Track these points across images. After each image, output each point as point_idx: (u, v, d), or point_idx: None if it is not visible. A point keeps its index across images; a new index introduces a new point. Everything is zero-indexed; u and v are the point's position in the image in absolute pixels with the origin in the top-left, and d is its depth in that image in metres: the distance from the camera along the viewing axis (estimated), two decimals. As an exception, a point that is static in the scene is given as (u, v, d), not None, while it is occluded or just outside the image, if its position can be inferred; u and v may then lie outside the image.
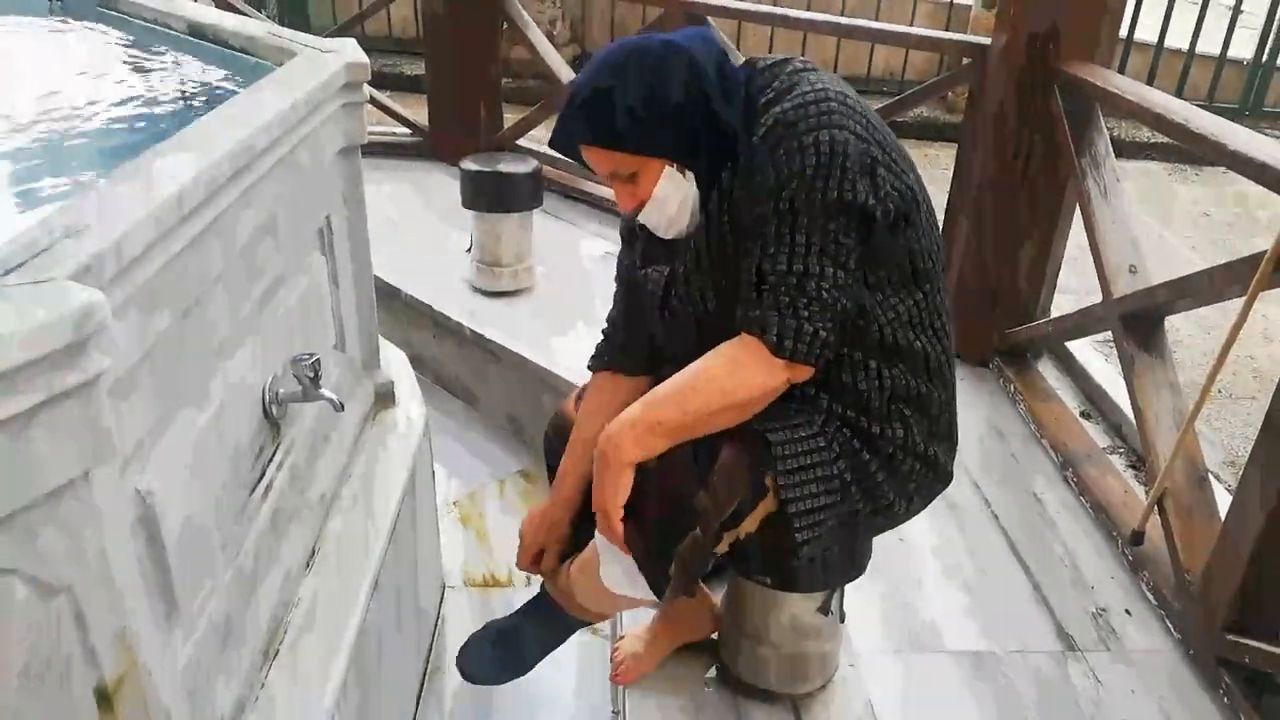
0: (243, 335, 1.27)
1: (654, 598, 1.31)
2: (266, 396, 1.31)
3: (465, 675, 1.61)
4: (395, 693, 1.75)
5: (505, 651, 1.59)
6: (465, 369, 2.88)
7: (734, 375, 1.19)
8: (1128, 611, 1.91)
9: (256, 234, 1.26)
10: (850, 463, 1.26)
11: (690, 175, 1.24)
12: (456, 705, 1.95)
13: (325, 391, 1.34)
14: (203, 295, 1.12)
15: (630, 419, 1.21)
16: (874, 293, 1.23)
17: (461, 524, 2.49)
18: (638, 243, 1.41)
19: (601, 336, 1.52)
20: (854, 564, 1.49)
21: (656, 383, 1.26)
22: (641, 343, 1.45)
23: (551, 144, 1.26)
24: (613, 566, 1.33)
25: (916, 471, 1.31)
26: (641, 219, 1.29)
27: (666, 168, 1.23)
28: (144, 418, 1.01)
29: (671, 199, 1.25)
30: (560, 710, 1.93)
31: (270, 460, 1.38)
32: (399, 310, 2.95)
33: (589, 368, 1.52)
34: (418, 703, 1.93)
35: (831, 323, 1.17)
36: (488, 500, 2.58)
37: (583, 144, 1.23)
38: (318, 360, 1.33)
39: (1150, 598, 1.93)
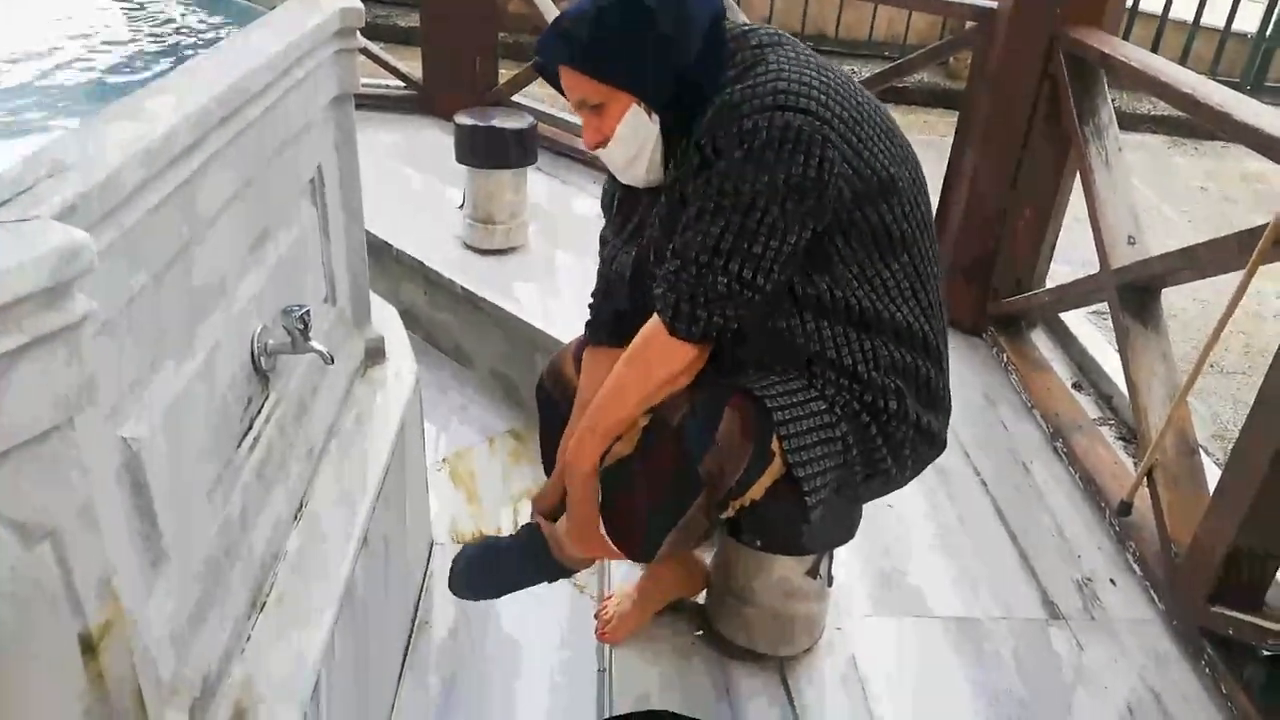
0: (231, 284, 1.24)
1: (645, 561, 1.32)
2: (255, 347, 1.29)
3: (452, 585, 1.61)
4: (382, 645, 1.75)
5: (485, 572, 1.58)
6: (456, 326, 2.86)
7: (646, 359, 1.25)
8: (1113, 581, 1.93)
9: (247, 181, 1.23)
10: (851, 425, 1.26)
11: (656, 120, 1.23)
12: (443, 659, 1.96)
13: (315, 344, 1.32)
14: (191, 241, 1.10)
15: (580, 432, 1.29)
16: (847, 264, 1.22)
17: (451, 481, 2.48)
18: (614, 215, 1.40)
19: (589, 311, 1.51)
20: (844, 528, 1.49)
21: None
22: (615, 323, 1.44)
23: (534, 64, 1.27)
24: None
25: (910, 439, 1.30)
26: (601, 156, 1.29)
27: (633, 105, 1.22)
28: (130, 364, 0.99)
29: (632, 139, 1.24)
30: (547, 667, 1.94)
31: (259, 412, 1.37)
32: (390, 266, 2.92)
33: (585, 339, 1.52)
34: (405, 656, 1.93)
35: (731, 312, 1.19)
36: (477, 458, 2.57)
37: (559, 63, 1.23)
38: (308, 311, 1.31)
39: (1135, 568, 1.95)
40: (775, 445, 1.23)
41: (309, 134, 1.49)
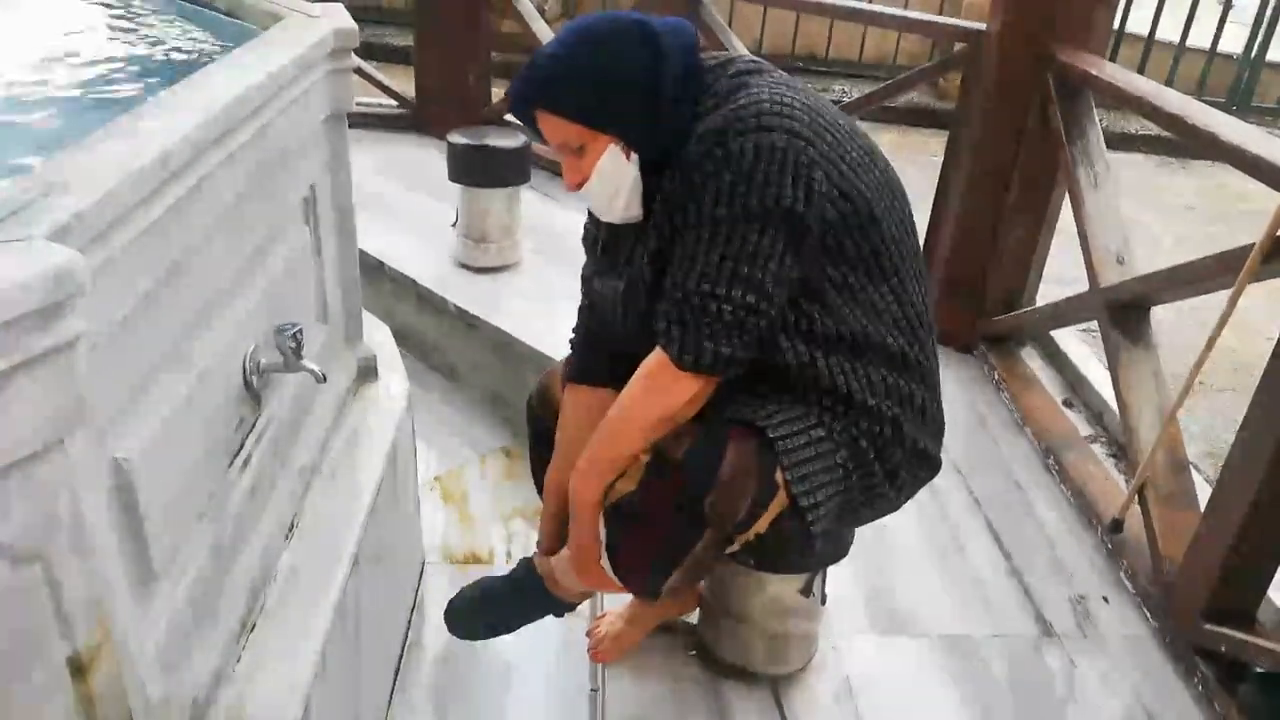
0: (224, 303, 1.24)
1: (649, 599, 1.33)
2: (247, 366, 1.29)
3: (448, 625, 1.61)
4: (373, 666, 1.74)
5: (484, 611, 1.59)
6: (448, 344, 2.86)
7: (651, 392, 1.23)
8: (1105, 598, 1.93)
9: (240, 200, 1.23)
10: (850, 451, 1.26)
11: (635, 159, 1.24)
12: (435, 680, 1.95)
13: (307, 363, 1.32)
14: (184, 260, 1.10)
15: (582, 466, 1.29)
16: (839, 291, 1.22)
17: (443, 501, 2.47)
18: (599, 255, 1.41)
19: (569, 348, 1.51)
20: (838, 548, 1.49)
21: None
22: (603, 357, 1.44)
23: (509, 108, 1.26)
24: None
25: (906, 462, 1.31)
26: (582, 194, 1.29)
27: (611, 145, 1.22)
28: (122, 384, 0.99)
29: (611, 177, 1.24)
30: (539, 687, 1.92)
31: (250, 431, 1.36)
32: (383, 284, 2.92)
33: (565, 378, 1.51)
34: (396, 676, 1.92)
35: (738, 339, 1.18)
36: (469, 477, 2.56)
37: (534, 108, 1.23)
38: (300, 330, 1.30)
39: (1128, 585, 1.95)
40: (779, 477, 1.21)
41: (302, 153, 1.50)
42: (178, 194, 1.03)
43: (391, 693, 1.88)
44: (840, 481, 1.25)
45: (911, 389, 1.29)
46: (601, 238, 1.39)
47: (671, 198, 1.21)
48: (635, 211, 1.28)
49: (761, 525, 1.23)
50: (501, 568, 2.23)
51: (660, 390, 1.22)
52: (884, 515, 1.39)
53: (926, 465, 1.34)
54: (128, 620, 0.97)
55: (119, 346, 0.96)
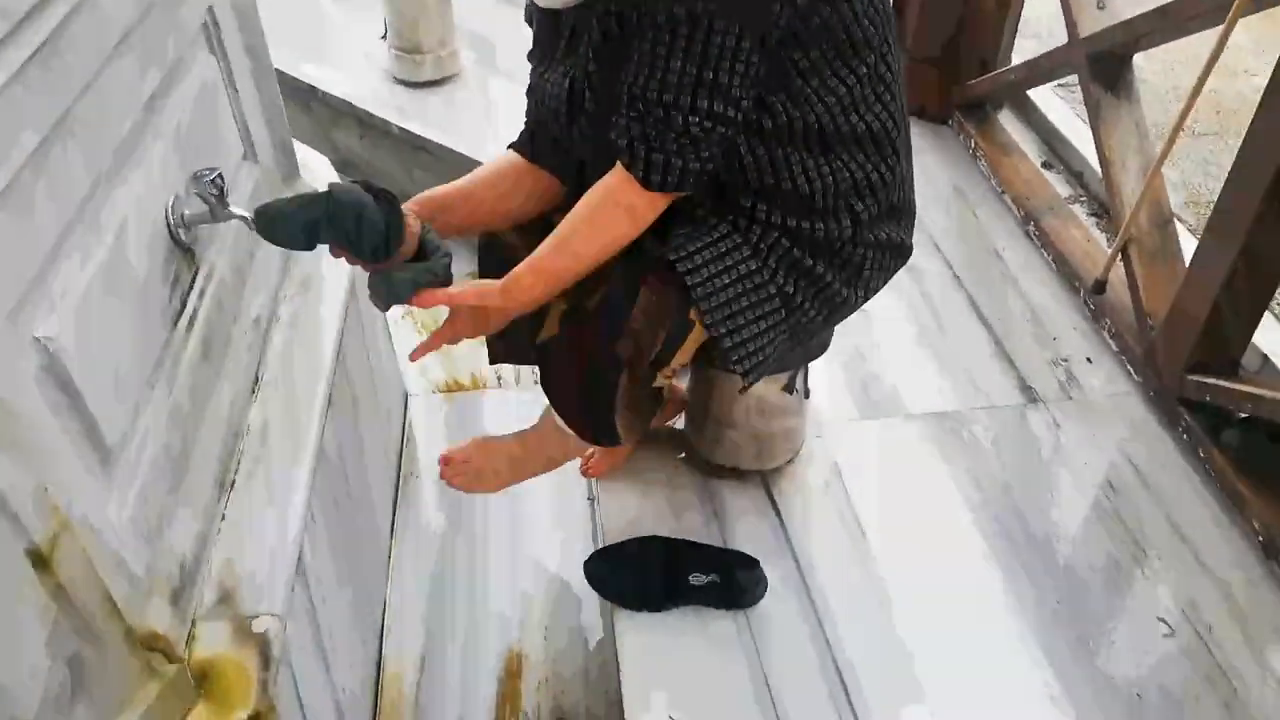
0: (131, 153, 1.12)
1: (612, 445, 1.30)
2: (171, 220, 1.19)
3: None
4: (367, 506, 1.74)
5: None
6: (397, 169, 2.71)
7: (612, 210, 1.13)
8: (1089, 359, 1.93)
9: (127, 31, 1.09)
10: (793, 274, 1.19)
11: None
12: (434, 511, 1.97)
13: (235, 209, 1.22)
14: (74, 108, 0.98)
15: (522, 271, 1.17)
16: (806, 78, 1.10)
17: (420, 332, 2.42)
18: (536, 38, 1.27)
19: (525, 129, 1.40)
20: (817, 344, 1.45)
21: (568, 191, 1.20)
22: (553, 152, 1.33)
23: None
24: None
25: (870, 258, 1.24)
26: None
27: None
28: (24, 258, 0.89)
29: None
30: (538, 506, 1.95)
31: (190, 288, 1.28)
32: (318, 110, 2.74)
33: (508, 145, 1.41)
34: (394, 508, 1.93)
35: (706, 153, 1.08)
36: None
37: None
38: (219, 175, 1.19)
39: (1112, 344, 1.95)
40: (694, 315, 1.17)
41: (190, -30, 1.32)
42: (51, 26, 0.90)
43: (392, 525, 1.90)
44: (779, 311, 1.20)
45: (881, 174, 1.20)
46: (541, 27, 1.26)
47: None
48: None
49: (682, 358, 1.20)
50: (488, 391, 2.23)
51: (623, 209, 1.13)
52: (856, 310, 1.33)
53: (895, 254, 1.28)
54: (88, 501, 0.93)
55: (11, 216, 0.87)
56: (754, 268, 1.17)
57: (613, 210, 1.13)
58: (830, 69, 1.10)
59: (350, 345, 1.65)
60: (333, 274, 1.65)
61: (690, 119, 1.05)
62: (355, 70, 2.79)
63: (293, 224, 1.15)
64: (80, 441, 0.97)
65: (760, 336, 1.20)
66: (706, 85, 1.04)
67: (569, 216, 1.16)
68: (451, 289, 1.18)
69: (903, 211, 1.27)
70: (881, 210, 1.22)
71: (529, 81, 1.34)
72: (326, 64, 2.79)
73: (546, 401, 1.37)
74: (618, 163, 1.11)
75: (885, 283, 1.31)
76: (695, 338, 1.19)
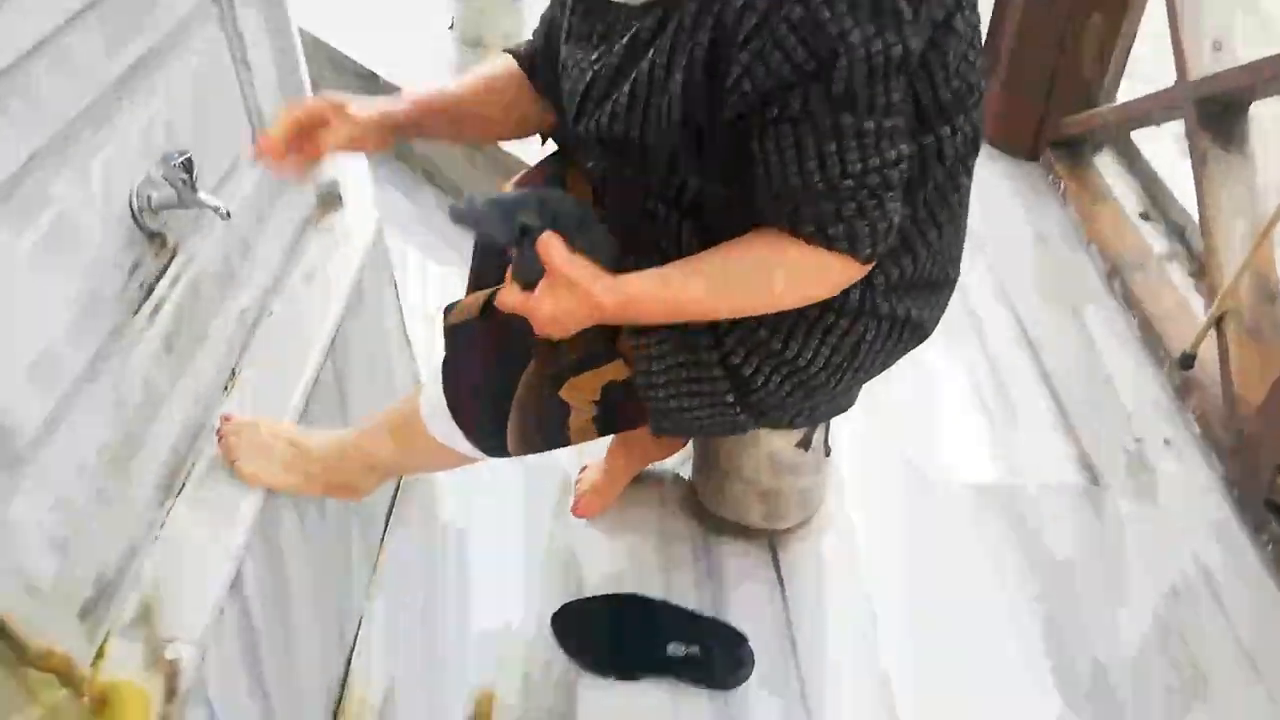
0: (92, 128, 1.04)
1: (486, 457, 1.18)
2: (135, 203, 1.10)
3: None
4: (345, 520, 1.64)
5: None
6: (460, 158, 2.63)
7: (800, 282, 0.94)
8: (1166, 441, 1.71)
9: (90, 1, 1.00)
10: (743, 347, 1.03)
11: None
12: (427, 528, 1.86)
13: (204, 196, 1.13)
14: (22, 65, 0.89)
15: (651, 289, 0.95)
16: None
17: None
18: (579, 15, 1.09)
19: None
20: (840, 401, 1.29)
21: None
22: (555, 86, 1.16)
23: None
24: (441, 421, 1.18)
25: (869, 335, 1.05)
26: None
27: None
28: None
29: None
30: (535, 540, 1.81)
31: (161, 276, 1.20)
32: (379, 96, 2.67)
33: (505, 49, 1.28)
34: (386, 524, 1.83)
35: (898, 197, 0.91)
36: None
37: None
38: (189, 158, 1.10)
39: (1195, 428, 1.72)
40: (623, 347, 1.04)
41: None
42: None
43: (382, 540, 1.80)
44: (724, 382, 1.04)
45: (923, 234, 1.00)
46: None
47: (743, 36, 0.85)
48: None
49: (592, 381, 1.06)
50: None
51: (840, 284, 0.95)
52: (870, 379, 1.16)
53: (910, 334, 1.08)
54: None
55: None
56: (705, 342, 1.02)
57: (825, 289, 0.96)
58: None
59: (350, 345, 1.55)
60: (336, 272, 1.56)
61: (888, 173, 0.88)
62: (420, 59, 2.73)
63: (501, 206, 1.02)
64: (-22, 442, 0.88)
65: (690, 402, 1.04)
66: (886, 132, 0.87)
67: (734, 265, 0.96)
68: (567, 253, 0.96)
69: (938, 285, 1.08)
70: (906, 279, 1.03)
71: (543, 20, 1.23)
72: (392, 51, 2.74)
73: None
74: (813, 244, 0.91)
75: (886, 367, 1.12)
76: (615, 370, 1.04)
